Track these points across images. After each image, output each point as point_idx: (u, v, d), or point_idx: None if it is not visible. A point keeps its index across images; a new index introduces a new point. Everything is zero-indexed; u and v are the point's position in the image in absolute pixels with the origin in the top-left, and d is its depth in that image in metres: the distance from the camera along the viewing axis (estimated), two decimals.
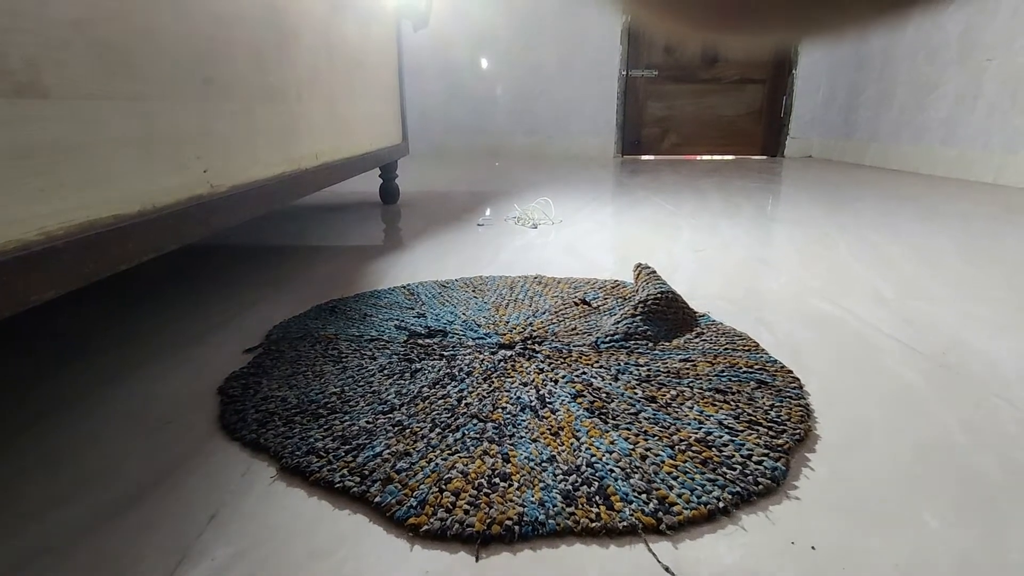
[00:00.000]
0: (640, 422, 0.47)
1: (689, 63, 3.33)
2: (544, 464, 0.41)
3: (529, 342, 0.64)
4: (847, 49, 3.13)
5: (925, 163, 2.48)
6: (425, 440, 0.45)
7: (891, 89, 2.74)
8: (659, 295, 0.70)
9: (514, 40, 3.31)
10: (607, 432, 0.45)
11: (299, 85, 0.84)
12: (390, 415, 0.49)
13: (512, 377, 0.55)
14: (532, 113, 3.43)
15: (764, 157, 3.49)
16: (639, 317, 0.67)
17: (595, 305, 0.76)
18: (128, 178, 0.48)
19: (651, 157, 3.47)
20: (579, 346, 0.62)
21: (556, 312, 0.74)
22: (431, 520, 0.36)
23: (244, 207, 0.66)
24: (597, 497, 0.38)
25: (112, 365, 0.60)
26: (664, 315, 0.68)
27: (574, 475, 0.40)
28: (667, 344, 0.63)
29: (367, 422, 0.47)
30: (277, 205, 0.76)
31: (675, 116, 3.42)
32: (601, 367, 0.57)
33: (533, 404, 0.50)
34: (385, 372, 0.57)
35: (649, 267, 0.80)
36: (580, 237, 1.22)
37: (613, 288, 0.82)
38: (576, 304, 0.76)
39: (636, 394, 0.52)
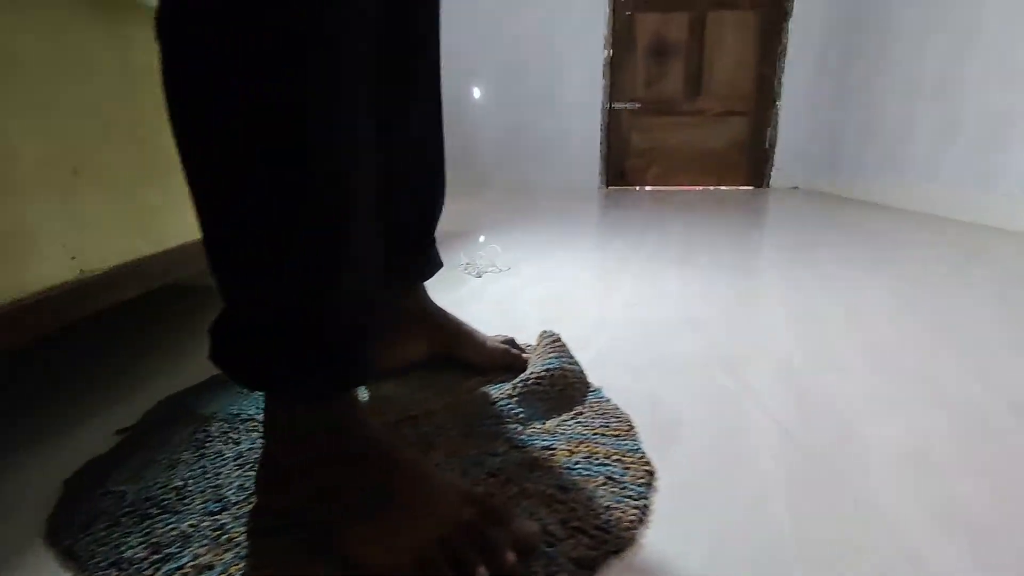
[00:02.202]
0: None
1: (672, 96, 3.36)
2: None
3: (401, 424, 0.63)
4: (830, 81, 3.14)
5: (907, 199, 2.46)
6: (236, 550, 0.44)
7: (874, 123, 2.74)
8: (544, 372, 0.69)
9: (498, 75, 3.36)
10: None
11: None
12: (218, 516, 0.48)
13: None
14: (517, 146, 3.47)
15: (750, 188, 3.49)
16: (516, 399, 0.66)
17: (488, 376, 0.75)
18: None
19: (636, 188, 3.48)
20: (449, 430, 0.62)
21: (449, 387, 0.73)
22: None
23: (121, 288, 0.67)
24: None
25: None
26: (547, 394, 0.67)
27: None
28: (539, 427, 0.62)
29: (190, 525, 0.47)
30: (163, 281, 0.76)
31: (659, 148, 3.43)
32: (457, 457, 0.56)
33: None
34: (240, 461, 0.56)
35: (552, 335, 0.79)
36: (519, 289, 1.21)
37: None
38: (468, 377, 0.75)
39: (476, 492, 0.51)
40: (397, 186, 0.71)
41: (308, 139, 0.38)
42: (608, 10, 3.23)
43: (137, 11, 0.70)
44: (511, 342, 0.80)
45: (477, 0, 3.26)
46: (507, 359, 0.76)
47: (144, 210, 0.71)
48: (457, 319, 0.79)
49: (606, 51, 3.28)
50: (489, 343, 0.77)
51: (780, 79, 3.31)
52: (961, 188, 2.15)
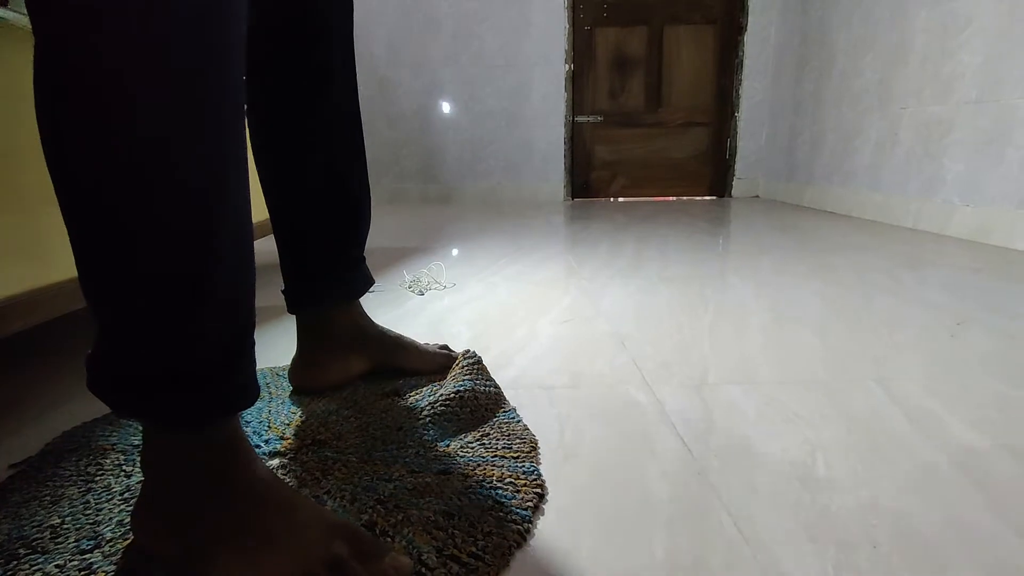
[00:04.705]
0: None
1: (634, 108, 3.41)
2: None
3: (305, 449, 0.62)
4: (785, 92, 3.21)
5: (854, 206, 2.53)
6: None
7: (822, 133, 2.81)
8: (453, 394, 0.69)
9: (462, 89, 3.38)
10: None
11: None
12: (88, 555, 0.47)
13: None
14: (482, 160, 3.48)
15: (712, 197, 3.54)
16: (423, 421, 0.66)
17: (405, 397, 0.75)
18: None
19: (609, 200, 3.51)
20: (350, 455, 0.61)
21: (362, 408, 0.73)
22: None
23: (26, 315, 0.66)
24: None
25: None
26: (456, 416, 0.67)
27: None
28: (441, 450, 0.62)
29: (56, 565, 0.46)
30: (61, 313, 0.74)
31: (623, 160, 3.48)
32: (350, 483, 0.56)
33: None
34: (126, 495, 0.55)
35: (472, 356, 0.79)
36: (458, 307, 1.21)
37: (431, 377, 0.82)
38: (386, 396, 0.75)
39: (361, 519, 0.51)
40: (321, 204, 0.72)
41: (171, 174, 0.38)
42: (568, 25, 3.27)
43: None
44: (446, 348, 0.84)
45: (439, 17, 3.28)
46: (447, 361, 0.80)
47: (38, 238, 0.70)
48: (393, 332, 0.81)
49: (567, 65, 3.32)
50: (425, 348, 0.81)
51: (738, 91, 3.39)
52: (902, 196, 2.21)
